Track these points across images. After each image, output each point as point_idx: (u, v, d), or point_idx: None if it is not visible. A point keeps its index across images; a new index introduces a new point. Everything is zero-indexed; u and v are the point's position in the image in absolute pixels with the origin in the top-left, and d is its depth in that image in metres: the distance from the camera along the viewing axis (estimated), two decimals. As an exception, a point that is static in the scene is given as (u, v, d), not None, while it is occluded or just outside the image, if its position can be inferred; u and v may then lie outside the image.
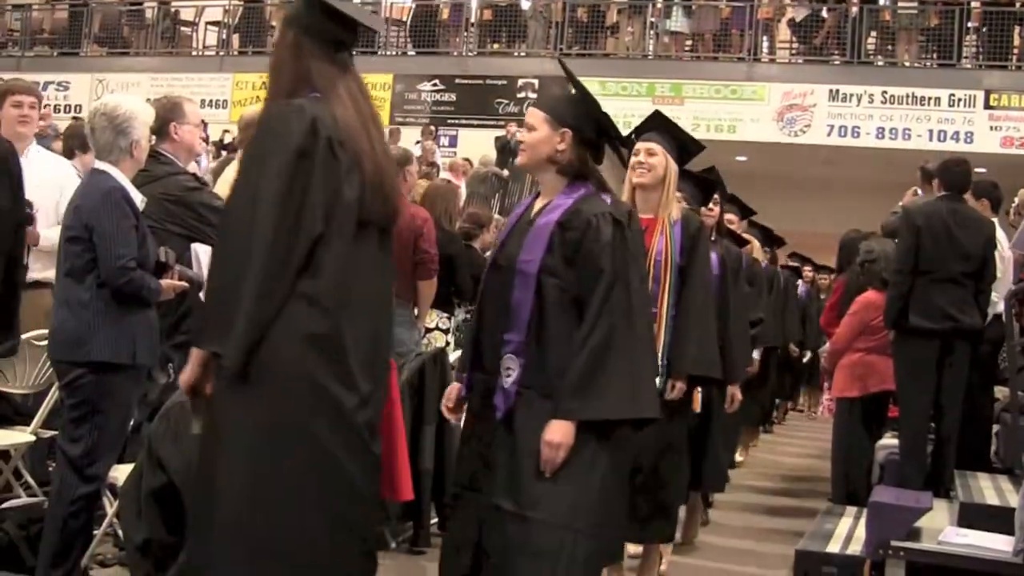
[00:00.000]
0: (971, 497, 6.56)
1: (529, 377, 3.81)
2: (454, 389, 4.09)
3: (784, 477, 10.40)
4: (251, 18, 22.87)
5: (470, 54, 21.45)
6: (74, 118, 15.93)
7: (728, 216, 7.76)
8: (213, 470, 3.42)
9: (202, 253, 5.70)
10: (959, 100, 18.42)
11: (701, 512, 7.42)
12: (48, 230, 6.05)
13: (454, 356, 6.49)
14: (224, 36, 23.30)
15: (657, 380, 4.84)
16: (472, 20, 21.69)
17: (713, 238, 6.95)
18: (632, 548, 5.90)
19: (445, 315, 7.54)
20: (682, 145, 5.67)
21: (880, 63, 19.53)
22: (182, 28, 23.91)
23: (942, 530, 5.66)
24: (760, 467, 10.62)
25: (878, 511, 5.62)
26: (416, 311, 7.19)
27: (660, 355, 5.34)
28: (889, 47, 19.57)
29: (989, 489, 6.82)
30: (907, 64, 19.22)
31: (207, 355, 3.46)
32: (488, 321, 3.96)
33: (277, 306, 3.29)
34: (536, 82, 20.01)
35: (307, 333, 3.31)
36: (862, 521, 6.14)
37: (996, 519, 5.83)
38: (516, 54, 21.26)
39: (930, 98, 18.57)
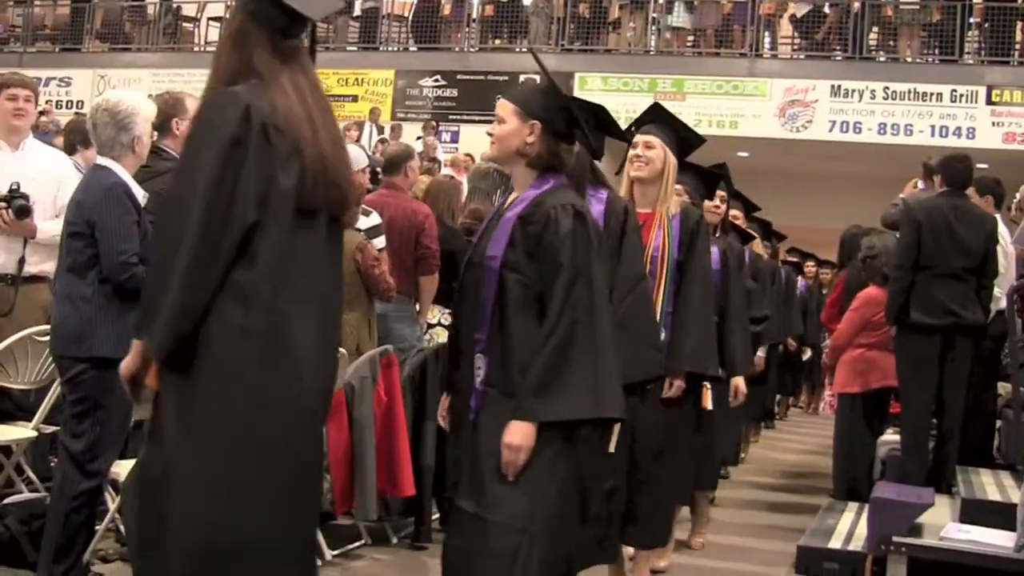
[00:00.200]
0: (973, 493, 6.57)
1: (493, 376, 3.77)
2: (445, 399, 4.07)
3: (785, 473, 10.41)
4: (252, 14, 22.83)
5: (472, 50, 21.43)
6: (76, 114, 15.93)
7: (733, 212, 7.73)
8: (153, 466, 3.42)
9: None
10: (961, 96, 18.39)
11: (708, 513, 7.30)
12: (45, 223, 6.05)
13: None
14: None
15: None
16: (474, 16, 21.66)
17: (718, 234, 6.94)
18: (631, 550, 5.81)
19: (447, 311, 7.53)
20: (682, 138, 5.62)
21: (882, 59, 19.50)
22: (184, 24, 23.88)
23: (944, 526, 5.67)
24: (761, 463, 10.62)
25: (880, 507, 5.62)
26: (418, 307, 7.19)
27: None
28: (891, 43, 19.54)
29: (991, 485, 6.82)
30: (909, 60, 19.19)
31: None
32: (464, 320, 3.93)
33: (206, 295, 3.24)
34: (538, 78, 19.97)
35: (242, 325, 3.26)
36: (864, 517, 6.15)
37: (998, 515, 5.83)
38: (518, 50, 21.22)
39: (932, 94, 18.54)
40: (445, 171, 14.54)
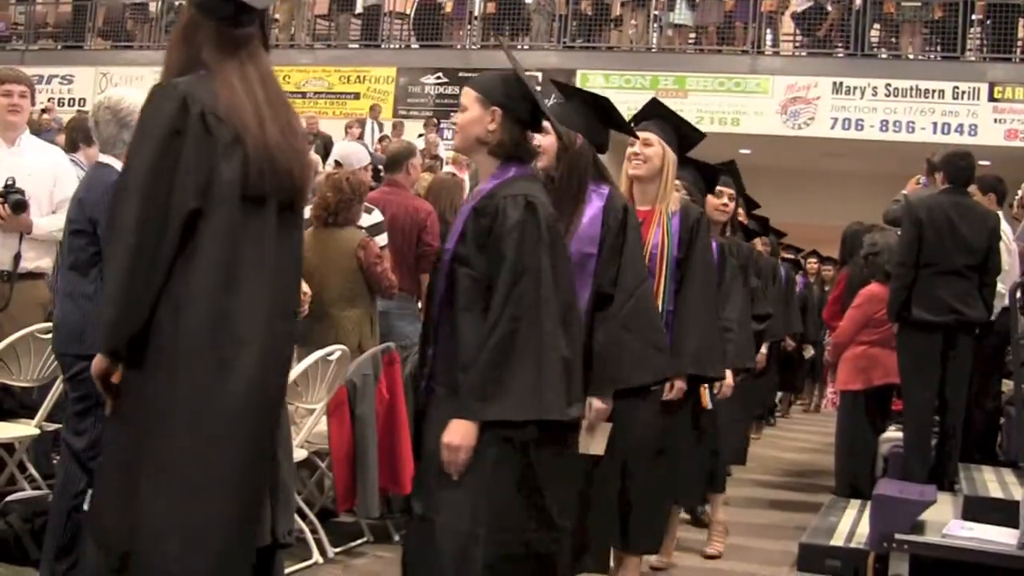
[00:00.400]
0: (975, 490, 6.57)
1: (439, 373, 3.73)
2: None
3: (788, 471, 10.40)
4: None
5: (473, 47, 21.43)
6: (78, 111, 15.93)
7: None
8: (110, 455, 3.47)
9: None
10: (963, 93, 18.38)
11: (724, 526, 7.09)
12: (42, 219, 6.06)
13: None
14: (227, 30, 23.28)
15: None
16: (475, 13, 21.66)
17: (728, 233, 6.85)
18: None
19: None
20: (681, 134, 5.53)
21: (884, 56, 19.49)
22: (185, 21, 23.87)
23: (946, 523, 5.66)
24: (764, 462, 10.61)
25: (882, 504, 5.62)
26: (420, 304, 7.19)
27: None
28: (893, 40, 19.53)
29: (993, 482, 6.82)
30: (911, 57, 19.19)
31: None
32: (431, 317, 3.89)
33: (150, 287, 3.25)
34: (540, 75, 19.98)
35: (188, 316, 3.27)
36: (866, 514, 6.14)
37: (1000, 512, 5.83)
38: (520, 47, 21.22)
39: (934, 91, 18.53)
40: (447, 169, 14.54)
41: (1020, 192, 9.17)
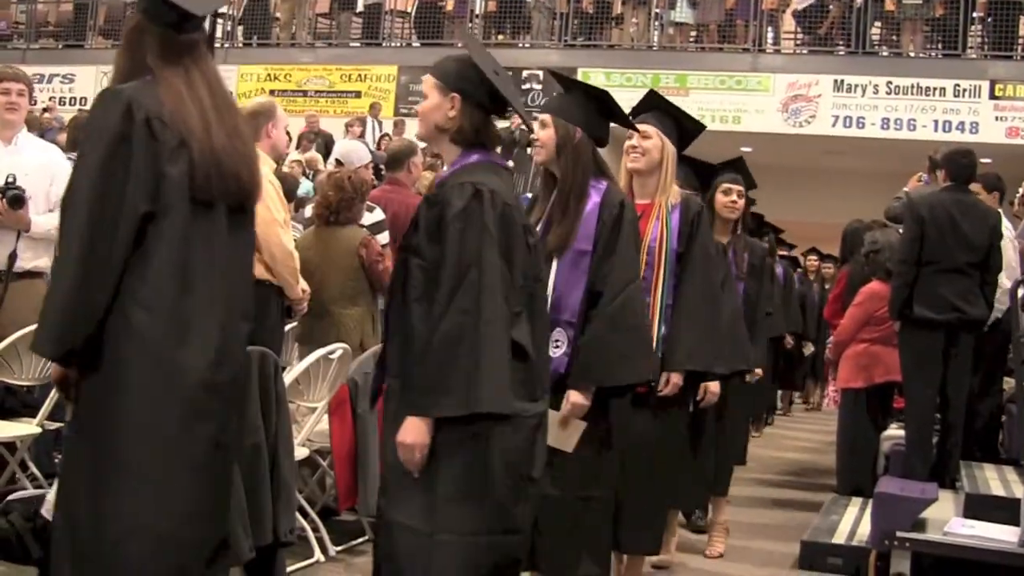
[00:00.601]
0: (977, 488, 6.57)
1: (392, 365, 3.66)
2: None
3: (788, 470, 10.40)
4: (255, 10, 22.84)
5: (475, 45, 21.42)
6: (79, 111, 15.95)
7: None
8: (68, 466, 3.49)
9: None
10: (964, 90, 18.37)
11: (726, 521, 7.05)
12: (39, 217, 6.07)
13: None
14: (228, 28, 23.28)
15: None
16: (477, 11, 21.66)
17: (739, 231, 6.78)
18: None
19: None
20: (681, 126, 5.46)
21: (885, 53, 19.48)
22: (186, 20, 23.88)
23: (948, 521, 5.66)
24: (764, 460, 10.61)
25: (883, 502, 5.62)
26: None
27: (655, 347, 5.12)
28: (894, 37, 19.52)
29: (995, 480, 6.82)
30: (912, 54, 19.17)
31: None
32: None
33: (103, 292, 3.26)
34: (541, 74, 19.98)
35: (140, 319, 3.28)
36: (867, 512, 6.14)
37: (1002, 510, 5.83)
38: (521, 45, 21.22)
39: (935, 88, 18.52)
40: (448, 167, 14.53)
41: (1021, 190, 9.18)
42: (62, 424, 5.13)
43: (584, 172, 4.62)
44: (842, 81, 18.99)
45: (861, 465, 8.04)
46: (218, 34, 23.43)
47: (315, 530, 5.92)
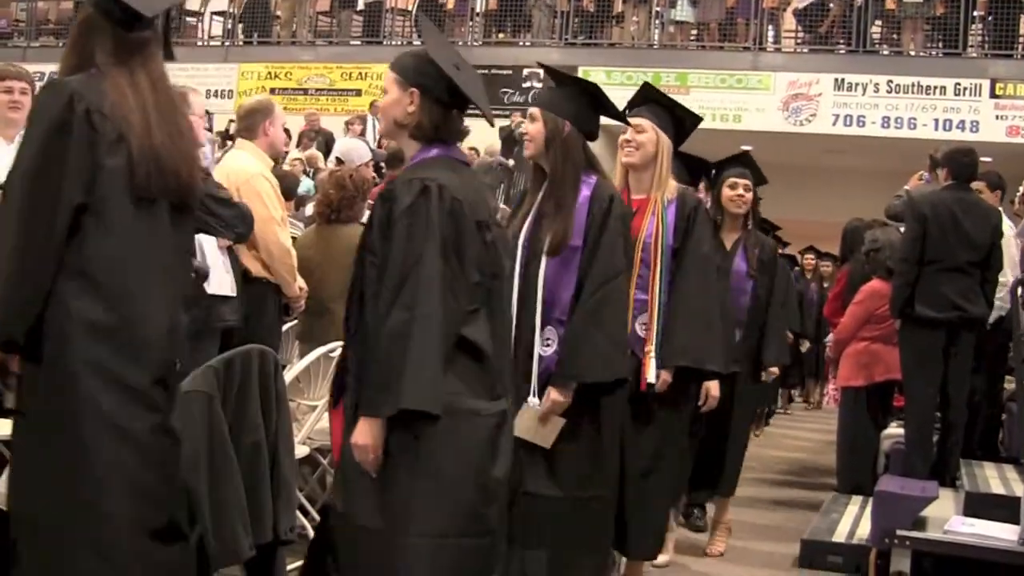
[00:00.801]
0: (977, 486, 6.57)
1: (350, 363, 3.64)
2: None
3: (789, 469, 10.39)
4: (256, 8, 22.82)
5: (475, 44, 21.41)
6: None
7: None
8: (16, 463, 3.51)
9: (206, 244, 5.71)
10: (965, 89, 18.36)
11: (728, 521, 6.99)
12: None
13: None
14: (229, 26, 23.28)
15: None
16: (477, 10, 21.65)
17: (750, 227, 6.74)
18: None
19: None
20: (677, 119, 5.37)
21: (885, 52, 19.47)
22: (187, 18, 23.87)
23: (948, 519, 5.67)
24: (764, 460, 10.59)
25: (884, 500, 5.62)
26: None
27: (654, 344, 5.09)
28: (894, 36, 19.51)
29: (995, 478, 6.83)
30: (912, 53, 19.15)
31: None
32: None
33: (37, 282, 3.29)
34: (542, 72, 19.95)
35: (76, 309, 3.31)
36: (868, 510, 6.15)
37: (1002, 508, 5.83)
38: (521, 44, 21.21)
39: (935, 87, 18.51)
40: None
41: (1022, 189, 9.18)
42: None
43: (574, 166, 4.58)
44: (843, 80, 18.97)
45: (861, 463, 8.05)
46: (218, 32, 23.52)
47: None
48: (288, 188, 8.49)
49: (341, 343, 5.94)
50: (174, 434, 3.53)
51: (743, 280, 6.65)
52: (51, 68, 22.55)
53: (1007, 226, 7.77)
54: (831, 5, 19.58)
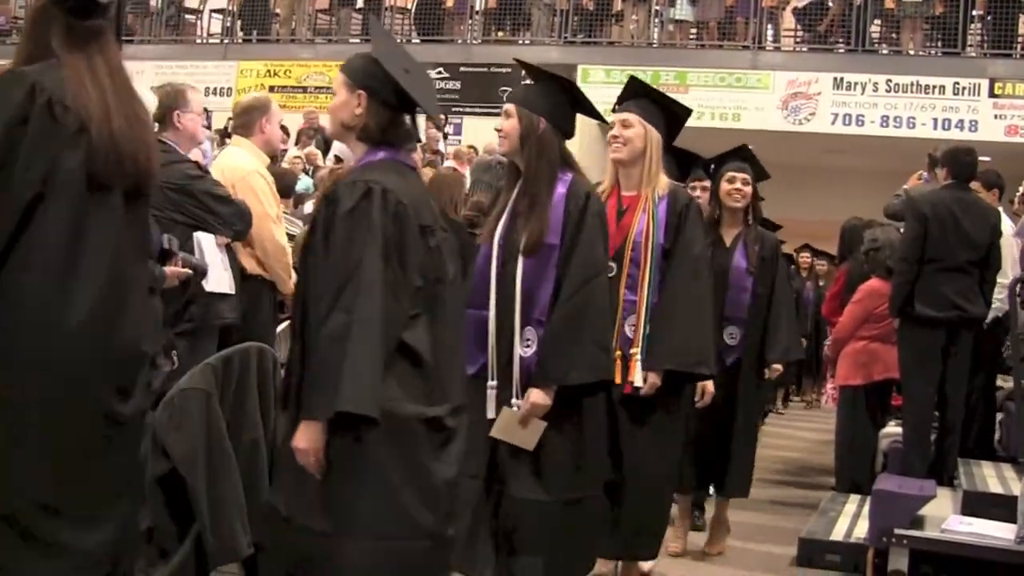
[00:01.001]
0: (975, 485, 6.58)
1: (294, 364, 3.61)
2: None
3: (787, 468, 10.38)
4: (255, 5, 22.82)
5: (475, 42, 21.41)
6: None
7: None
8: None
9: (205, 241, 5.71)
10: (964, 88, 18.35)
11: (727, 521, 6.97)
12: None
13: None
14: (228, 24, 23.27)
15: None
16: (477, 8, 21.64)
17: (751, 221, 6.65)
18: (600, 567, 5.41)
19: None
20: (667, 113, 5.28)
21: (885, 51, 19.47)
22: (186, 16, 23.87)
23: (945, 518, 5.67)
24: (762, 458, 10.53)
25: (881, 499, 5.63)
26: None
27: (640, 346, 5.03)
28: (894, 35, 19.51)
29: (992, 477, 6.83)
30: (911, 52, 19.15)
31: None
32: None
33: None
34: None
35: (21, 297, 3.29)
36: (865, 509, 6.16)
37: (999, 507, 5.84)
38: (521, 42, 21.20)
39: (934, 86, 18.51)
40: (448, 163, 14.53)
41: (1021, 188, 9.18)
42: None
43: (549, 164, 4.51)
44: (842, 79, 18.97)
45: (859, 462, 8.05)
46: (217, 30, 23.50)
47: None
48: (285, 186, 8.49)
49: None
50: (115, 418, 3.46)
51: (743, 277, 6.56)
52: (50, 65, 22.60)
53: (1006, 225, 7.77)
54: (830, 4, 19.58)
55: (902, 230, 7.75)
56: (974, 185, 7.62)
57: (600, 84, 18.79)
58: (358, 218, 3.48)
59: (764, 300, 6.66)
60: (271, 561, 3.67)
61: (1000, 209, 7.91)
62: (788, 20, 20.32)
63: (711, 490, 7.01)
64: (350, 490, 3.47)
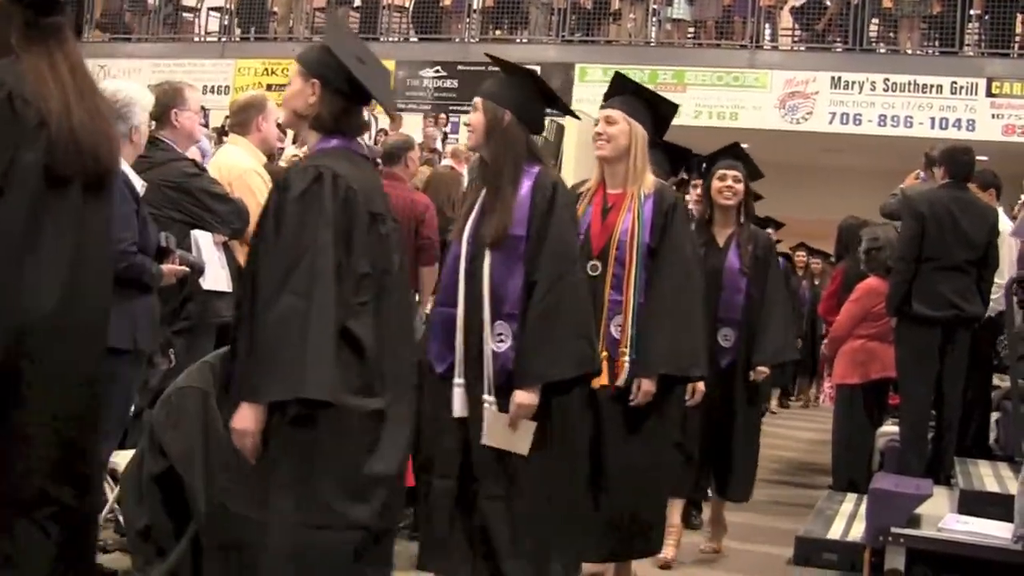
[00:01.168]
0: (971, 484, 6.57)
1: (241, 350, 3.59)
2: None
3: (784, 468, 10.38)
4: (253, 4, 22.83)
5: (472, 40, 21.40)
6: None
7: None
8: None
9: (202, 239, 5.71)
10: (961, 88, 18.38)
11: (724, 521, 6.96)
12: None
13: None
14: (226, 22, 23.27)
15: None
16: (474, 6, 21.64)
17: (743, 220, 6.57)
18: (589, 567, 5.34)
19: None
20: (654, 109, 5.18)
21: (882, 50, 19.49)
22: (184, 14, 23.87)
23: (942, 517, 5.67)
24: (759, 457, 10.54)
25: (878, 498, 5.62)
26: (418, 297, 7.20)
27: (628, 349, 4.91)
28: (891, 34, 19.53)
29: (989, 476, 6.83)
30: (909, 52, 19.17)
31: None
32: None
33: None
34: (538, 69, 19.93)
35: None
36: (862, 508, 6.15)
37: (996, 506, 5.84)
38: (518, 41, 21.21)
39: (932, 86, 18.53)
40: (445, 162, 14.53)
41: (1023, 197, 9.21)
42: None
43: (515, 157, 4.45)
44: (839, 78, 18.99)
45: (856, 461, 8.05)
46: (215, 28, 23.50)
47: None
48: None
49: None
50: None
51: (737, 278, 6.49)
52: (47, 63, 22.58)
53: (1005, 225, 7.77)
54: (828, 3, 19.60)
55: (899, 229, 7.75)
56: (970, 186, 7.61)
57: (597, 83, 18.79)
58: (309, 202, 3.50)
59: (758, 301, 6.58)
60: (210, 545, 3.65)
61: (1000, 209, 7.91)
62: (786, 19, 20.35)
63: (708, 492, 6.98)
64: (281, 477, 3.48)
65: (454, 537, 4.42)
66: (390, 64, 21.51)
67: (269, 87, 20.55)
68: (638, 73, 19.60)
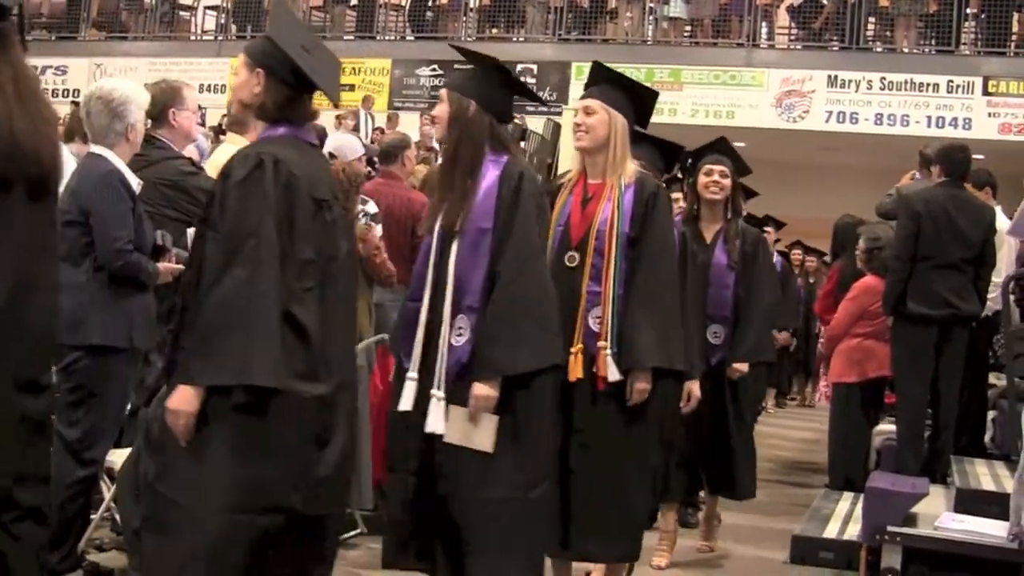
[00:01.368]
0: (967, 483, 6.57)
1: (185, 335, 3.60)
2: None
3: (780, 468, 10.37)
4: (249, 3, 22.81)
5: (469, 39, 21.38)
6: (73, 103, 15.90)
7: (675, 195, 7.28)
8: None
9: (200, 237, 5.70)
10: (957, 86, 18.39)
11: (718, 519, 6.92)
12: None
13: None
14: (222, 21, 23.26)
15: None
16: (471, 5, 21.65)
17: (730, 216, 6.49)
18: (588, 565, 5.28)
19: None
20: (634, 97, 5.08)
21: (879, 49, 19.51)
22: (181, 13, 23.86)
23: (938, 516, 5.67)
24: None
25: (874, 497, 5.62)
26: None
27: (609, 343, 4.71)
28: (888, 33, 19.54)
29: (985, 475, 6.83)
30: (906, 50, 19.18)
31: None
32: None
33: None
34: (535, 67, 19.96)
35: None
36: (859, 506, 6.16)
37: (992, 505, 5.84)
38: (515, 39, 21.20)
39: (928, 84, 18.55)
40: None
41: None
42: (53, 416, 5.11)
43: (474, 147, 4.36)
44: (836, 77, 19.00)
45: (853, 459, 8.05)
46: (211, 27, 23.49)
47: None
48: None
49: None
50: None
51: (725, 274, 6.41)
52: (43, 62, 22.54)
53: (1002, 223, 7.77)
54: (824, 2, 19.62)
55: (895, 227, 7.74)
56: (965, 185, 7.61)
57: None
58: (250, 187, 3.52)
59: (743, 298, 6.50)
60: (144, 529, 3.63)
61: (999, 208, 7.91)
62: (782, 18, 20.36)
63: (701, 493, 6.96)
64: (210, 459, 3.49)
65: (418, 535, 4.37)
66: (386, 63, 21.52)
67: (266, 86, 20.53)
68: (634, 71, 19.60)
